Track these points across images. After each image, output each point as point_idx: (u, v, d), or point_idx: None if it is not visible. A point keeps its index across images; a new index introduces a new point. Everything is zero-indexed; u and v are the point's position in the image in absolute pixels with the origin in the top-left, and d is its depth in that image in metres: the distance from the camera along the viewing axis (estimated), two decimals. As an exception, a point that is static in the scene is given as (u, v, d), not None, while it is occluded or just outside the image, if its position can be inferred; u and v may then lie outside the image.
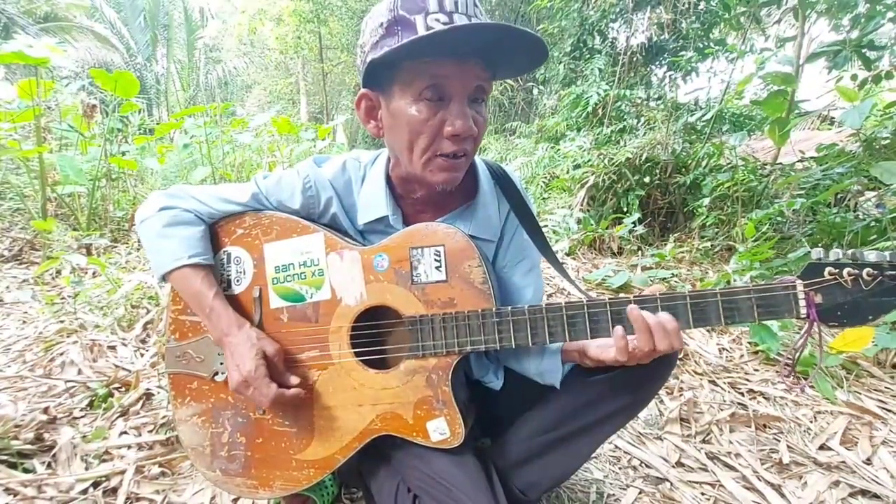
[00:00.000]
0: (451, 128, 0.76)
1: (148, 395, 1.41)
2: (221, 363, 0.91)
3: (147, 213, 0.90)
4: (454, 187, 0.84)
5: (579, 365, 0.91)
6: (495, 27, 0.70)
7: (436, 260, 0.82)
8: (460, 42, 0.72)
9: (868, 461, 1.28)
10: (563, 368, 0.90)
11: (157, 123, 6.16)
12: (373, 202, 0.91)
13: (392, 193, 0.91)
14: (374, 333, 0.86)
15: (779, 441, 1.36)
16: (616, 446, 1.33)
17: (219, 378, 0.92)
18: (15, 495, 1.02)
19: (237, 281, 0.92)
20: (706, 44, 6.32)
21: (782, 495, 1.16)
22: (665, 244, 3.49)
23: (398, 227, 0.89)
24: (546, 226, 3.63)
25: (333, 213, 0.93)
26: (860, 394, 1.60)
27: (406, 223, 0.90)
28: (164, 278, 0.90)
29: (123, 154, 3.53)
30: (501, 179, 0.96)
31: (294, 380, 0.85)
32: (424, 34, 0.69)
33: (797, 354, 0.78)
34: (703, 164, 3.80)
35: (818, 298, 0.68)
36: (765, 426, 1.44)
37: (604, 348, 0.80)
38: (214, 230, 0.94)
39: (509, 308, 0.79)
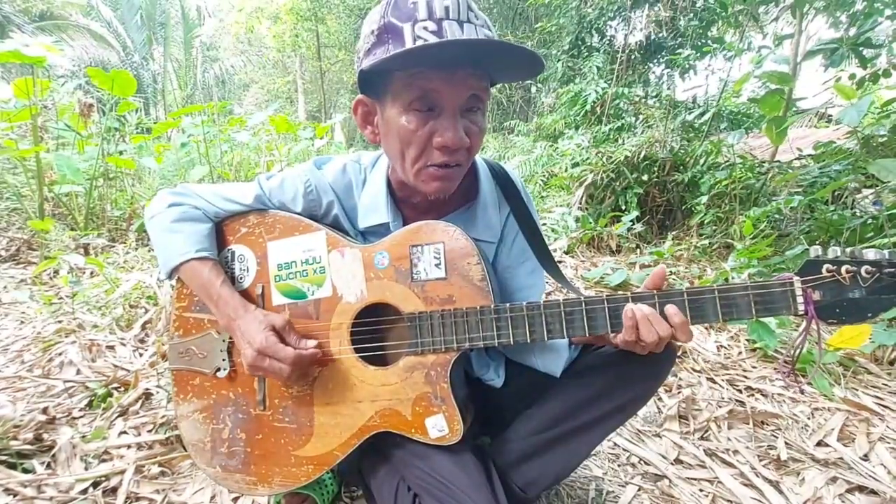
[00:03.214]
0: (440, 139, 0.75)
1: (147, 395, 1.41)
2: (224, 359, 0.91)
3: (156, 210, 0.92)
4: (449, 195, 0.84)
5: (579, 361, 0.92)
6: (481, 43, 0.69)
7: (435, 257, 0.82)
8: (449, 54, 0.70)
9: (865, 457, 1.29)
10: (568, 355, 0.90)
11: (155, 122, 6.14)
12: (373, 208, 0.91)
13: (392, 198, 0.91)
14: (374, 330, 0.87)
15: (776, 438, 1.37)
16: (615, 443, 1.33)
17: (221, 374, 0.92)
18: (14, 495, 1.02)
19: (241, 278, 0.93)
20: (704, 41, 6.32)
21: (780, 492, 1.16)
22: (663, 242, 3.50)
23: None
24: (545, 224, 3.63)
25: (335, 215, 0.93)
26: (857, 390, 1.60)
27: None
28: (171, 273, 0.90)
29: (121, 153, 3.51)
30: (502, 180, 0.96)
31: (309, 344, 0.84)
32: (404, 50, 0.68)
33: (796, 352, 0.79)
34: (701, 161, 3.81)
35: (816, 295, 0.68)
36: (763, 423, 1.45)
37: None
38: (220, 228, 0.95)
39: (507, 305, 0.79)
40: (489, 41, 0.69)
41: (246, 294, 0.91)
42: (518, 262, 0.97)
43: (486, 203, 0.93)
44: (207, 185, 0.96)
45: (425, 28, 0.69)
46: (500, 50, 0.70)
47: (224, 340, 0.92)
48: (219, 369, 0.92)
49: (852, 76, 3.11)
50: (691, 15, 6.47)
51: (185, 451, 1.09)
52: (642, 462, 1.27)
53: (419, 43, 0.68)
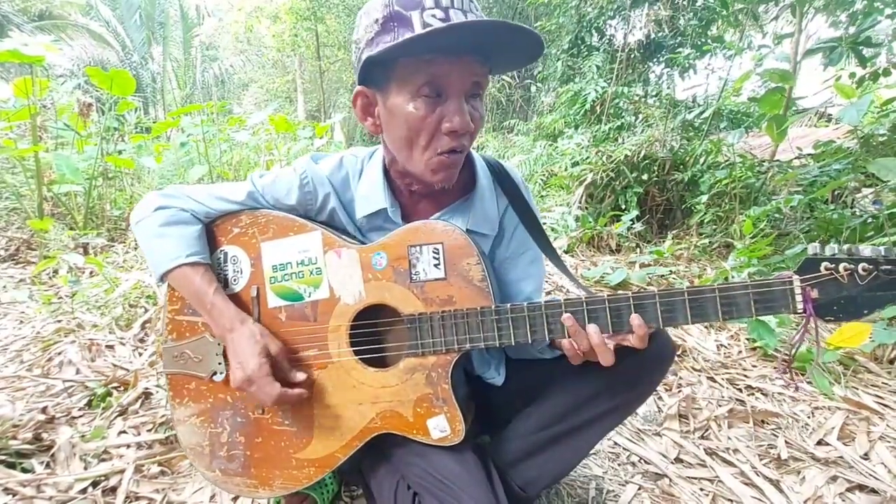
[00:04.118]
0: (449, 124, 0.76)
1: (146, 395, 1.41)
2: (220, 363, 0.90)
3: (143, 214, 0.90)
4: (452, 184, 0.84)
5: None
6: (492, 24, 0.70)
7: (434, 258, 0.81)
8: (457, 39, 0.71)
9: (865, 456, 1.29)
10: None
11: (154, 122, 6.13)
12: (371, 195, 0.91)
13: (390, 187, 0.91)
14: (373, 332, 0.86)
15: (777, 437, 1.37)
16: (615, 442, 1.33)
17: (217, 378, 0.91)
18: (14, 495, 1.02)
19: (234, 280, 0.92)
20: (704, 41, 6.32)
21: (780, 490, 1.16)
22: (663, 241, 3.50)
23: (397, 221, 0.90)
24: (545, 223, 3.63)
25: (331, 208, 0.92)
26: (857, 389, 1.60)
27: (404, 216, 0.91)
28: (162, 278, 0.89)
29: (120, 153, 3.50)
30: (499, 174, 0.96)
31: (299, 376, 0.84)
32: (423, 33, 0.69)
33: (794, 349, 0.79)
34: (701, 161, 3.81)
35: (814, 293, 0.68)
36: (763, 422, 1.45)
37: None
38: (211, 229, 0.94)
39: (508, 305, 0.79)
40: (501, 22, 0.70)
41: (240, 297, 0.91)
42: (518, 253, 0.97)
43: (483, 195, 0.93)
44: (197, 186, 0.95)
45: (433, 15, 0.70)
46: (508, 31, 0.71)
47: (219, 344, 0.91)
48: (215, 373, 0.91)
49: (852, 75, 3.11)
50: (691, 14, 6.46)
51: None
52: (642, 461, 1.27)
53: (428, 30, 0.69)
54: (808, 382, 1.64)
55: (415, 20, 0.71)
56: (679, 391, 1.59)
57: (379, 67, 0.77)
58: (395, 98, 0.77)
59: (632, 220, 3.50)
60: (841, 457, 1.28)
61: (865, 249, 0.67)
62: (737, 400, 1.56)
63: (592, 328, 0.75)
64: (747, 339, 1.98)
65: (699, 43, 6.29)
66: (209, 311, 0.86)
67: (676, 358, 1.78)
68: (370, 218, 0.92)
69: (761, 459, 1.28)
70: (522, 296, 0.95)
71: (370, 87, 0.82)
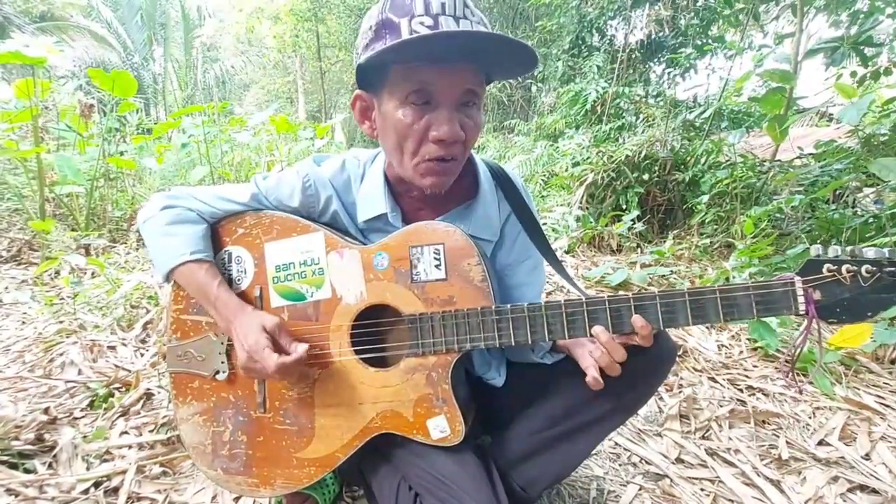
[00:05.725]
0: (435, 133, 0.76)
1: (148, 395, 1.42)
2: (223, 362, 0.91)
3: (150, 213, 0.91)
4: (444, 190, 0.84)
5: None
6: (473, 35, 0.70)
7: (435, 258, 0.82)
8: (444, 48, 0.71)
9: (867, 456, 1.29)
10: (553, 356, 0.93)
11: (155, 123, 6.15)
12: (372, 200, 0.91)
13: (391, 191, 0.91)
14: (375, 332, 0.86)
15: (778, 437, 1.37)
16: (616, 443, 1.33)
17: (220, 377, 0.92)
18: (16, 496, 1.02)
19: (238, 280, 0.92)
20: (705, 41, 6.32)
21: (781, 491, 1.16)
22: (664, 241, 3.49)
23: (397, 225, 0.90)
24: (545, 223, 3.63)
25: (334, 210, 0.93)
26: (859, 389, 1.60)
27: (405, 221, 0.91)
28: (167, 276, 0.90)
29: (121, 154, 3.52)
30: (502, 180, 0.96)
31: (300, 348, 0.82)
32: (399, 41, 0.69)
33: (796, 352, 0.79)
34: (702, 161, 3.81)
35: (817, 295, 0.68)
36: (764, 422, 1.45)
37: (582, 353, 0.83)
38: (216, 230, 0.95)
39: (508, 306, 0.79)
40: (480, 33, 0.70)
41: (244, 297, 0.91)
42: (519, 260, 0.97)
43: (485, 201, 0.93)
44: (201, 187, 0.96)
45: (421, 23, 0.70)
46: (493, 43, 0.70)
47: (222, 343, 0.92)
48: (218, 372, 0.92)
49: (853, 74, 3.11)
50: (692, 14, 6.47)
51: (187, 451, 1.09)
52: (643, 461, 1.27)
53: (400, 40, 0.69)
54: (810, 383, 1.64)
55: (403, 28, 0.70)
56: (680, 391, 1.59)
57: (374, 73, 0.78)
58: (387, 104, 0.78)
59: (633, 220, 3.50)
60: (842, 457, 1.28)
61: (869, 251, 0.66)
62: (738, 400, 1.55)
63: (599, 329, 0.75)
64: (748, 340, 1.97)
65: (700, 43, 6.30)
66: (214, 303, 0.87)
67: (677, 358, 1.78)
68: (371, 221, 0.92)
69: (762, 460, 1.28)
70: (524, 301, 0.95)
71: (368, 92, 0.82)
